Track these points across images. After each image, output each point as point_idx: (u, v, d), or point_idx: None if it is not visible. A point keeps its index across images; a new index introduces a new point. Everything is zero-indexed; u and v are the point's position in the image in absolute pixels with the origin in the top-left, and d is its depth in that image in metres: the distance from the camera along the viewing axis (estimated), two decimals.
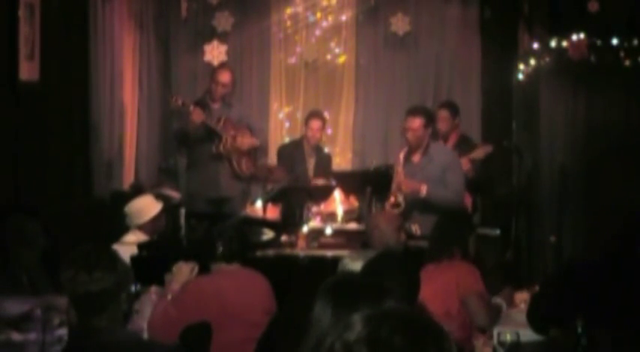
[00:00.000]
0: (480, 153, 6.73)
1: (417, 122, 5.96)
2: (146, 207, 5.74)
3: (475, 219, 6.47)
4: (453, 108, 7.01)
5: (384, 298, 2.42)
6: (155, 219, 5.71)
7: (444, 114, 6.91)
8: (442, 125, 6.87)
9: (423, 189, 5.94)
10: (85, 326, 2.85)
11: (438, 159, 6.02)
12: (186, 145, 7.21)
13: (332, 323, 2.36)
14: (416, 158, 6.09)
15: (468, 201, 6.85)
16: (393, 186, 6.03)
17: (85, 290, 2.80)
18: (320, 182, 7.01)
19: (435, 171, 5.98)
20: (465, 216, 4.94)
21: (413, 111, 6.08)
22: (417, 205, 6.08)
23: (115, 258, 2.91)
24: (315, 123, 7.17)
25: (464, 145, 6.94)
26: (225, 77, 6.98)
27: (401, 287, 3.03)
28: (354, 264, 3.81)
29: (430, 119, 6.06)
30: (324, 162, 7.28)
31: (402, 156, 6.08)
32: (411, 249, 5.34)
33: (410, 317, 1.70)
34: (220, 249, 4.12)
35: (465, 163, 6.60)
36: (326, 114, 7.55)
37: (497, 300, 4.44)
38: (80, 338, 2.87)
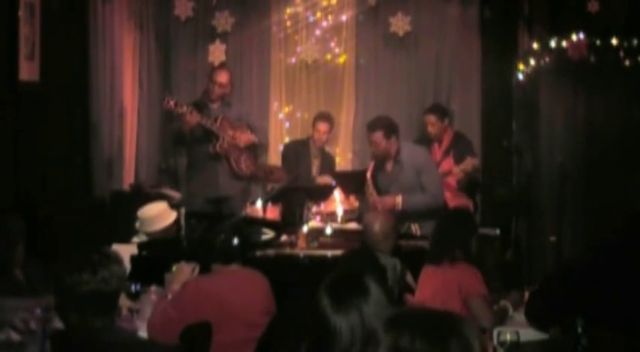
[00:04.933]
0: (467, 165, 6.75)
1: (377, 136, 6.05)
2: (160, 216, 5.55)
3: (475, 219, 6.47)
4: (440, 111, 7.04)
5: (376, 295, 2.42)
6: (167, 229, 5.56)
7: (431, 119, 6.96)
8: (431, 129, 6.93)
9: (398, 203, 5.98)
10: (86, 327, 2.85)
11: (409, 164, 6.06)
12: (183, 146, 7.20)
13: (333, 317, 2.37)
14: (388, 166, 6.17)
15: (469, 203, 6.86)
16: (371, 204, 6.10)
17: (92, 291, 2.80)
18: (324, 180, 7.03)
19: (408, 176, 6.04)
20: (467, 217, 4.93)
21: (371, 127, 6.15)
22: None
23: (119, 259, 2.92)
24: (323, 126, 7.23)
25: (459, 144, 6.96)
26: (222, 77, 6.97)
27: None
28: None
29: (390, 129, 6.09)
30: (328, 163, 7.34)
31: (369, 174, 6.14)
32: (406, 249, 5.35)
33: (427, 318, 1.70)
34: (220, 248, 4.12)
35: (456, 173, 6.66)
36: (333, 117, 7.54)
37: (504, 303, 4.42)
38: (80, 338, 2.87)
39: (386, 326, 1.68)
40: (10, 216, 4.51)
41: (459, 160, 6.80)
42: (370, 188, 6.13)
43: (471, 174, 6.83)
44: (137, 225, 5.58)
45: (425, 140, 7.01)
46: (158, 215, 5.56)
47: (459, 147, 6.91)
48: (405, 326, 1.66)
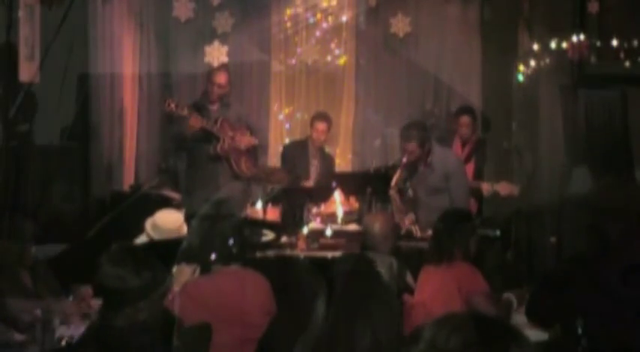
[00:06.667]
0: (504, 189, 6.66)
1: (411, 146, 6.00)
2: (176, 231, 5.24)
3: (475, 220, 6.46)
4: (473, 112, 7.04)
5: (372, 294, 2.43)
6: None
7: (466, 120, 6.91)
8: (465, 131, 6.88)
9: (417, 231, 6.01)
10: (103, 321, 2.89)
11: (440, 169, 6.04)
12: (184, 149, 7.19)
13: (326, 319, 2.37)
14: (418, 168, 6.14)
15: (474, 206, 6.84)
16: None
17: (105, 284, 2.85)
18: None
19: (436, 180, 6.04)
20: (466, 217, 4.92)
21: (406, 137, 6.06)
22: (417, 206, 6.10)
23: (143, 264, 2.91)
24: (321, 125, 7.22)
25: (482, 148, 6.95)
26: (220, 78, 6.96)
27: None
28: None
29: (424, 138, 6.04)
30: (327, 163, 7.34)
31: (394, 182, 6.10)
32: (406, 250, 5.35)
33: (470, 321, 1.69)
34: (220, 249, 4.12)
35: (485, 187, 6.59)
36: (330, 116, 7.54)
37: (507, 295, 4.41)
38: (96, 330, 2.91)
39: (431, 323, 1.69)
40: (23, 216, 4.53)
41: (478, 170, 6.78)
42: (397, 200, 6.09)
43: (504, 197, 6.77)
44: (147, 225, 5.26)
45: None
46: (176, 229, 5.27)
47: (480, 151, 6.89)
48: (445, 325, 1.67)
